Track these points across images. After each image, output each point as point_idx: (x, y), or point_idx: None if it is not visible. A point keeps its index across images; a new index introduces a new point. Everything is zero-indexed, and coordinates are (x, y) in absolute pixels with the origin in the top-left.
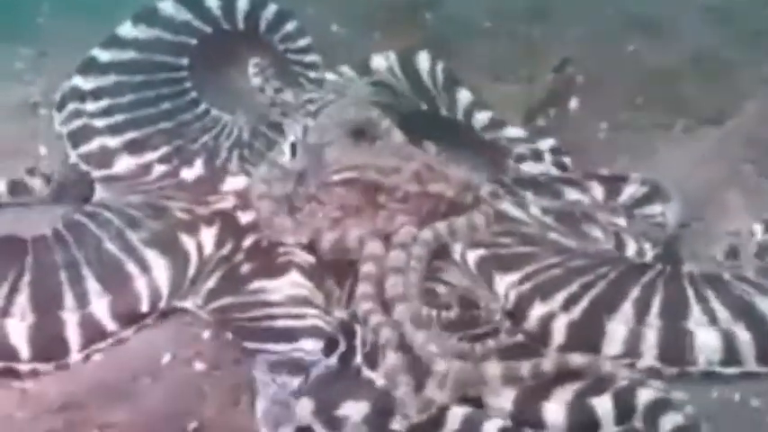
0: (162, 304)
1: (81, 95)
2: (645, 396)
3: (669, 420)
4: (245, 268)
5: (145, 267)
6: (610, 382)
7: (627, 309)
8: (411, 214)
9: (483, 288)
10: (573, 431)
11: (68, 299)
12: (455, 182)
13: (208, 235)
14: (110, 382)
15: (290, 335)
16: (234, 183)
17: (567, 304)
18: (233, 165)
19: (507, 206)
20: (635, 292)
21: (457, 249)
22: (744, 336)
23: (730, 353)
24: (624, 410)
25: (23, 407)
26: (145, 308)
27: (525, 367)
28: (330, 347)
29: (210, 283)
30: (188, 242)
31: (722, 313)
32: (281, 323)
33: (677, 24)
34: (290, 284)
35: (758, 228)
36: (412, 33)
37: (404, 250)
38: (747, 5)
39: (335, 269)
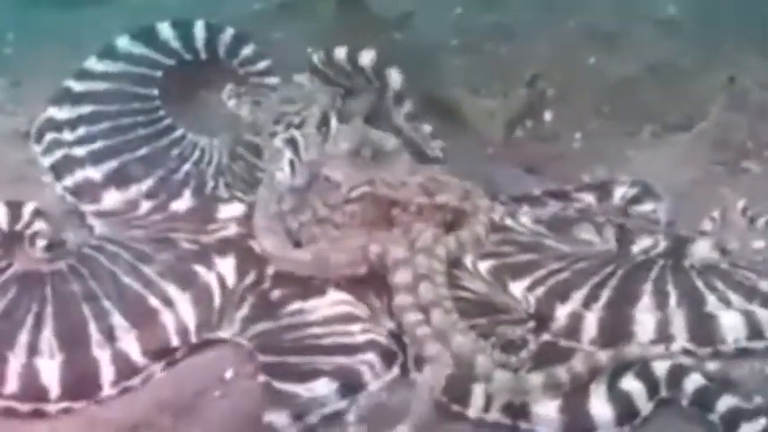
0: (193, 338)
1: (57, 126)
2: (661, 367)
3: (691, 382)
4: (276, 294)
5: (167, 302)
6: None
7: (648, 300)
8: (426, 224)
9: (501, 294)
10: (620, 421)
11: (96, 336)
12: (457, 191)
13: (226, 266)
14: (176, 400)
15: (342, 351)
16: (230, 210)
17: (589, 302)
18: (221, 191)
19: (501, 215)
20: (651, 285)
21: (468, 259)
22: (762, 312)
23: (753, 328)
24: (650, 385)
25: (94, 430)
26: (174, 342)
27: (562, 372)
28: (388, 359)
29: (243, 311)
30: (206, 274)
31: (734, 296)
32: (327, 341)
33: (632, 36)
34: (330, 303)
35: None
36: (382, 53)
37: (427, 255)
38: (696, 17)
39: (371, 280)
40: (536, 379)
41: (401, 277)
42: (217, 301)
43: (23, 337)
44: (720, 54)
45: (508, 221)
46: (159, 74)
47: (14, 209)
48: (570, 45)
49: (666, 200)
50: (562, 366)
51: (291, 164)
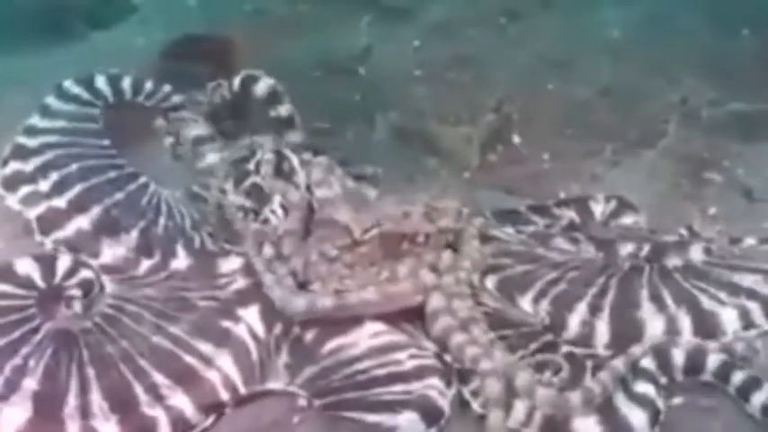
0: (241, 391)
1: (31, 177)
2: (645, 363)
3: (678, 357)
4: (309, 336)
5: (207, 359)
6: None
7: (649, 304)
8: (434, 250)
9: (513, 308)
10: (652, 422)
11: (144, 396)
12: (453, 212)
13: (252, 317)
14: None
15: (403, 379)
16: (230, 264)
17: (595, 311)
18: (209, 244)
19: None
20: (646, 288)
21: (474, 276)
22: (751, 305)
23: (746, 319)
24: (653, 381)
25: None
26: (223, 397)
27: (595, 386)
28: (446, 379)
29: (283, 360)
30: (235, 328)
31: (722, 293)
32: (382, 372)
33: (583, 62)
34: (369, 335)
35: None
36: (349, 88)
37: (453, 276)
38: (638, 42)
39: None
40: (576, 396)
41: (437, 300)
42: (254, 353)
43: (72, 401)
44: (665, 75)
45: (496, 233)
46: (95, 125)
47: (46, 263)
48: (526, 72)
49: (642, 211)
50: (594, 380)
51: (283, 208)
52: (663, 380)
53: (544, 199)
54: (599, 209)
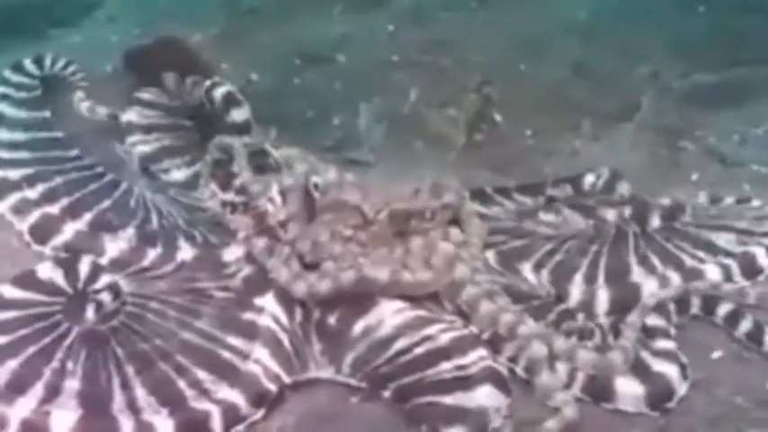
0: (286, 380)
1: (16, 185)
2: (651, 321)
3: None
4: (332, 319)
5: (242, 353)
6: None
7: (639, 267)
8: (440, 227)
9: (520, 280)
10: (684, 375)
11: (189, 390)
12: (454, 189)
13: (271, 305)
14: (318, 411)
15: (445, 354)
16: (232, 253)
17: (592, 279)
18: (212, 238)
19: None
20: (634, 253)
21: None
22: (729, 261)
23: (726, 274)
24: (667, 336)
25: None
26: (268, 387)
27: (627, 344)
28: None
29: (316, 347)
30: (259, 317)
31: (701, 252)
32: (421, 350)
33: (553, 42)
34: (393, 312)
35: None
36: (329, 76)
37: (466, 249)
38: (607, 22)
39: None
40: (618, 356)
41: (463, 270)
42: (285, 341)
43: (118, 397)
44: (633, 51)
45: (483, 209)
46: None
47: (68, 266)
48: (500, 53)
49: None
50: (622, 339)
51: (281, 194)
52: (673, 331)
53: (531, 175)
54: (556, 192)
